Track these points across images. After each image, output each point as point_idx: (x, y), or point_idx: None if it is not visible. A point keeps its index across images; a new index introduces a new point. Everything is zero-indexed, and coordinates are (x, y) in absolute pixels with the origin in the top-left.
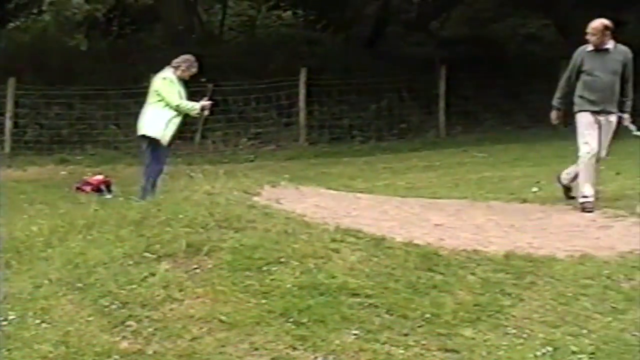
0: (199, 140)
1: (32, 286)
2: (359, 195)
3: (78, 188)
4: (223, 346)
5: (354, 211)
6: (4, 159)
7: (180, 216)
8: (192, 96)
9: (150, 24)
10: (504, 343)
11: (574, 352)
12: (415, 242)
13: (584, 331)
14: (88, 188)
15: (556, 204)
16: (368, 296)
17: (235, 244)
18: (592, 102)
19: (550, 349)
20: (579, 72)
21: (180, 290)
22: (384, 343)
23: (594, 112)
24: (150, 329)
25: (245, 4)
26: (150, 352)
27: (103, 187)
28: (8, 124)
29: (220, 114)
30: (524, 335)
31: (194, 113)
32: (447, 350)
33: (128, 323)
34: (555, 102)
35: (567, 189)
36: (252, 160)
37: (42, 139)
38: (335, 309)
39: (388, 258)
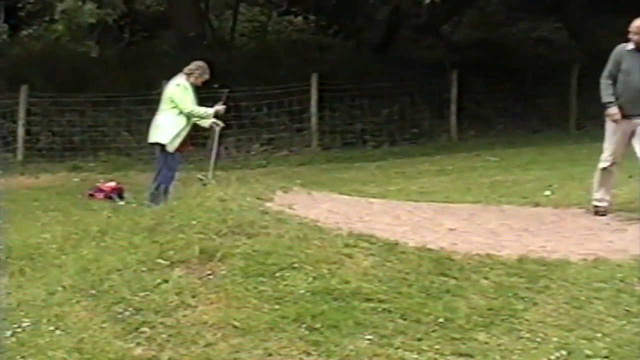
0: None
1: (45, 293)
2: (371, 200)
3: (91, 195)
4: (237, 352)
5: (367, 216)
6: (17, 166)
7: (193, 222)
8: (203, 103)
9: (162, 30)
10: (518, 347)
11: (588, 356)
12: (429, 246)
13: (598, 334)
14: (101, 195)
15: (569, 207)
16: (381, 301)
17: (248, 250)
18: (624, 104)
19: (564, 352)
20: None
21: (194, 297)
22: (397, 348)
23: (624, 117)
24: (164, 335)
25: (256, 9)
26: (165, 358)
27: (115, 194)
28: (20, 131)
29: (232, 120)
30: (538, 339)
31: (206, 123)
32: (460, 355)
33: (142, 329)
34: (607, 98)
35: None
36: (264, 166)
37: (54, 146)
38: (348, 314)
39: (401, 263)
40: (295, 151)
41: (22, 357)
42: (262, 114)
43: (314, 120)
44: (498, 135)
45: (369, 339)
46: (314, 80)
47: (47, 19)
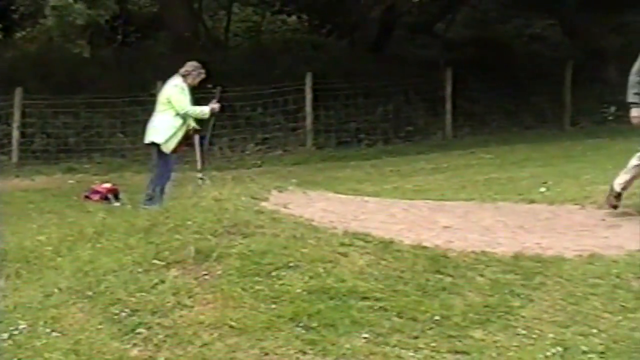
0: (207, 147)
1: (42, 295)
2: (366, 198)
3: (86, 197)
4: (234, 352)
5: (362, 215)
6: (12, 168)
7: (189, 223)
8: (199, 103)
9: (156, 31)
10: (514, 344)
11: (584, 352)
12: (424, 244)
13: (594, 330)
14: (96, 196)
15: (564, 204)
16: (377, 299)
17: (244, 250)
18: None
19: (560, 349)
20: None
21: (190, 297)
22: (394, 346)
23: None
24: (160, 336)
25: (250, 9)
26: (161, 359)
27: (110, 195)
28: (15, 133)
29: (226, 119)
30: (534, 336)
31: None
32: (457, 352)
33: (138, 330)
34: (632, 98)
35: (618, 196)
36: (259, 166)
37: (49, 148)
38: (344, 313)
39: (397, 261)
40: (290, 150)
41: (19, 359)
42: (257, 114)
43: (308, 119)
44: (493, 133)
45: (365, 338)
46: (309, 80)
47: (41, 21)
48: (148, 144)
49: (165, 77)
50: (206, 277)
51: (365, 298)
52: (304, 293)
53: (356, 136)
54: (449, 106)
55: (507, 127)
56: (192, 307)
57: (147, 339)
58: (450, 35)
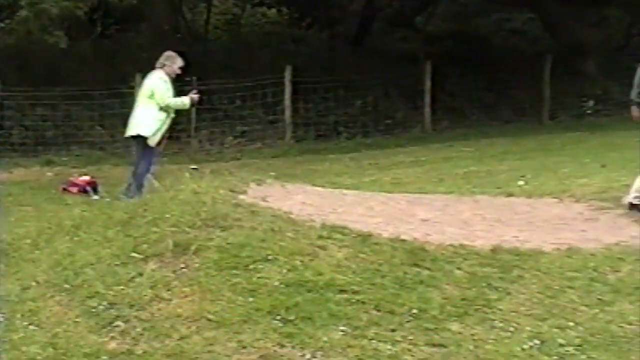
0: (194, 134)
1: (19, 288)
2: (345, 191)
3: (64, 189)
4: (211, 345)
5: (340, 208)
6: None
7: (167, 216)
8: (177, 95)
9: (135, 23)
10: (491, 337)
11: (561, 345)
12: (402, 237)
13: (571, 323)
14: (74, 189)
15: (542, 197)
16: (355, 292)
17: (222, 243)
18: None
19: (537, 341)
20: None
21: (168, 290)
22: (371, 339)
23: None
24: (138, 329)
25: (230, 2)
26: (139, 352)
27: (89, 188)
28: None
29: (205, 112)
30: (511, 329)
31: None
32: (434, 345)
33: (116, 323)
34: (635, 96)
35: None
36: (238, 159)
37: (27, 140)
38: (322, 306)
39: (375, 254)
40: (268, 143)
41: None
42: (236, 107)
43: (287, 112)
44: (472, 126)
45: (342, 331)
46: (288, 73)
47: (19, 13)
48: (130, 137)
49: (144, 69)
50: (184, 270)
51: (342, 291)
52: (282, 286)
53: (335, 129)
54: (428, 99)
55: (486, 121)
56: (170, 300)
57: (125, 332)
58: (430, 29)
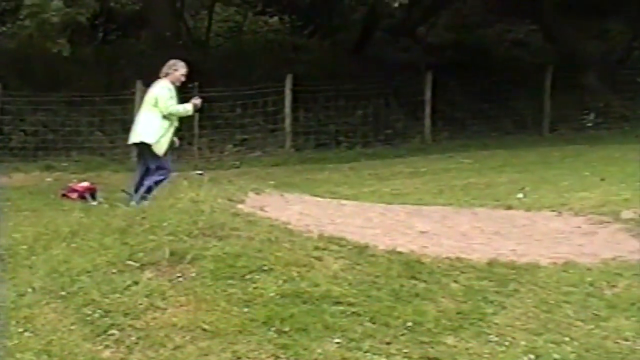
0: (195, 142)
1: (15, 294)
2: (343, 202)
3: (64, 195)
4: (206, 355)
5: (338, 219)
6: None
7: (165, 224)
8: (182, 102)
9: (137, 30)
10: (486, 351)
11: None
12: (399, 249)
13: (566, 339)
14: (74, 195)
15: (541, 210)
16: (351, 304)
17: (218, 252)
18: None
19: (532, 356)
20: None
21: (163, 299)
22: (366, 351)
23: None
24: (133, 338)
25: (232, 9)
26: None
27: (87, 194)
28: None
29: (206, 120)
30: (506, 343)
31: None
32: (429, 358)
33: (111, 332)
34: None
35: None
36: (237, 167)
37: (27, 145)
38: (317, 318)
39: (371, 266)
40: (268, 152)
41: None
42: (236, 115)
43: (287, 121)
44: (472, 138)
45: (337, 343)
46: (289, 81)
47: (21, 17)
48: (133, 144)
49: (145, 76)
50: (180, 279)
51: (338, 303)
52: (277, 297)
53: (335, 138)
54: (428, 110)
55: (486, 132)
56: (165, 309)
57: (119, 341)
58: (432, 39)
